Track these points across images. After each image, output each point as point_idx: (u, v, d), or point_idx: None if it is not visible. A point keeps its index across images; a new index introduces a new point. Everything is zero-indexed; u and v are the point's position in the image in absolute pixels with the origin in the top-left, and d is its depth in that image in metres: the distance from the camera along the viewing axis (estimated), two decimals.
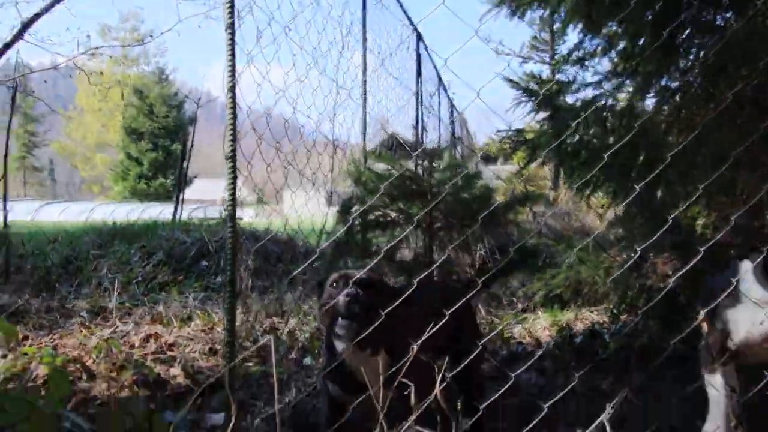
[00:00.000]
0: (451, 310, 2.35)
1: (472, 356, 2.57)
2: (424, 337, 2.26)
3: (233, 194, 2.39)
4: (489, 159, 15.33)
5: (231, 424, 2.00)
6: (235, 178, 2.39)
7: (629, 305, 4.79)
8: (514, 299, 6.06)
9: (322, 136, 3.96)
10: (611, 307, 4.93)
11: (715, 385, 2.89)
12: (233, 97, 2.42)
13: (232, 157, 2.41)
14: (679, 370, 3.54)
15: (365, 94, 4.49)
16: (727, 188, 4.87)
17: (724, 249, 4.98)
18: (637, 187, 4.82)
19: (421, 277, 2.48)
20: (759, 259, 2.78)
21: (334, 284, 2.42)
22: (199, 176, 39.00)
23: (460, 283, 3.63)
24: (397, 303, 2.30)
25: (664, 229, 2.98)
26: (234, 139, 2.42)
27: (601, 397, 3.53)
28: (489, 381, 3.86)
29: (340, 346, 2.41)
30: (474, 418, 2.54)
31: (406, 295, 2.34)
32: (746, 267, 2.87)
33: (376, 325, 2.24)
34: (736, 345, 2.82)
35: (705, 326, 2.38)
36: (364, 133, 4.57)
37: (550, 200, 10.59)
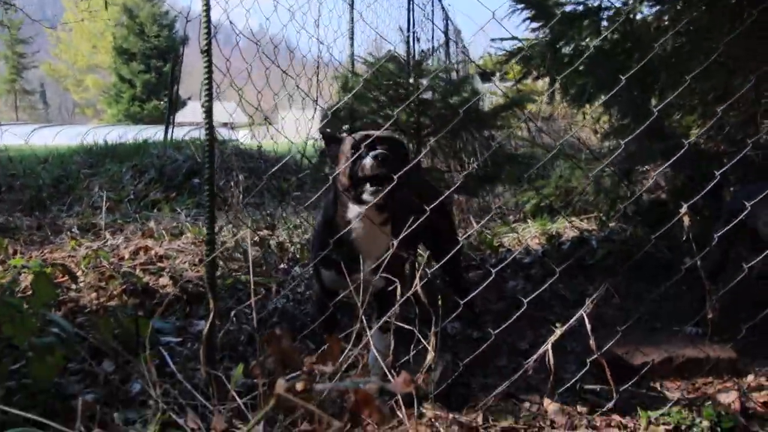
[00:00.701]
0: (433, 205, 2.32)
1: (454, 250, 2.56)
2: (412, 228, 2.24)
3: (209, 92, 2.31)
4: (485, 76, 15.02)
5: (208, 324, 1.99)
6: (210, 74, 2.31)
7: (618, 213, 4.80)
8: (506, 210, 6.07)
9: (310, 52, 3.85)
10: (600, 215, 4.93)
11: None
12: None
13: (208, 51, 2.32)
14: (665, 275, 3.57)
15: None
16: (722, 96, 4.79)
17: (716, 157, 4.95)
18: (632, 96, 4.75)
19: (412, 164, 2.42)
20: None
21: (354, 148, 2.29)
22: (192, 98, 38.35)
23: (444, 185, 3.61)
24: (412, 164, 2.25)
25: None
26: (209, 33, 2.33)
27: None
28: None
29: (355, 212, 2.34)
30: (467, 299, 2.52)
31: (420, 157, 2.28)
32: None
33: (398, 189, 2.20)
34: None
35: (686, 221, 2.36)
36: (352, 39, 4.44)
37: (546, 115, 10.44)
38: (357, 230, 2.38)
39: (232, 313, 2.93)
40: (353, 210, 2.35)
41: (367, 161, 2.19)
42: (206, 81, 2.30)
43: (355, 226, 2.36)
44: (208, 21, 2.32)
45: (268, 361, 1.18)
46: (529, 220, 5.63)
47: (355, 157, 2.24)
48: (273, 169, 2.99)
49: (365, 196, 2.24)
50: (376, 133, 2.29)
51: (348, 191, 2.30)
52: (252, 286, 2.00)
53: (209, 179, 2.31)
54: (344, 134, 2.45)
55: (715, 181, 2.36)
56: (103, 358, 2.61)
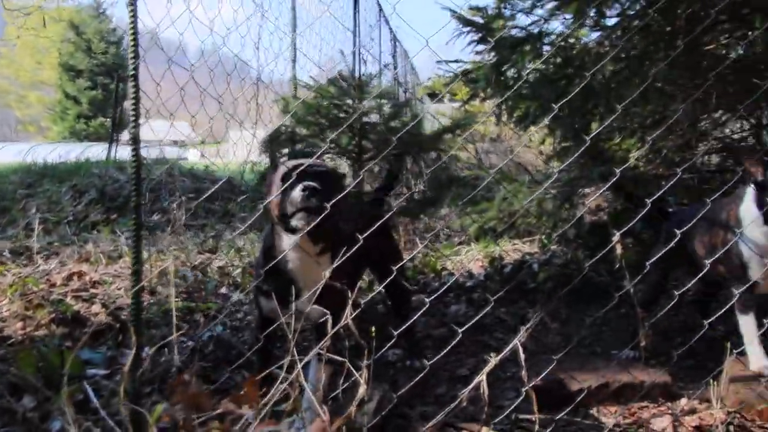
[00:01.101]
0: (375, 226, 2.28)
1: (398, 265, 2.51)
2: (352, 250, 2.20)
3: (136, 111, 2.24)
4: (434, 96, 15.18)
5: (131, 358, 1.90)
6: (137, 92, 2.23)
7: (560, 237, 4.84)
8: (451, 232, 6.07)
9: (248, 75, 3.79)
10: (542, 238, 4.97)
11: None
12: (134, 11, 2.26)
13: (135, 76, 2.25)
14: (604, 299, 3.60)
15: (295, 20, 4.29)
16: (659, 121, 4.90)
17: (655, 180, 5.06)
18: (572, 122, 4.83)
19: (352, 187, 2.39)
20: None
21: (285, 177, 2.24)
22: (143, 116, 37.59)
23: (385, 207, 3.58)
24: (346, 192, 2.21)
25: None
26: (136, 57, 2.26)
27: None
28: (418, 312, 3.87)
29: (288, 243, 2.29)
30: (405, 325, 2.49)
31: (355, 183, 2.25)
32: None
33: (332, 218, 2.15)
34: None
35: (618, 248, 2.37)
36: (294, 61, 4.40)
37: (494, 137, 10.58)
38: (293, 260, 2.34)
39: (160, 343, 2.83)
40: (287, 240, 2.31)
41: (297, 193, 2.16)
42: (133, 107, 2.22)
43: (291, 256, 2.32)
44: (136, 45, 2.25)
45: (175, 408, 1.12)
46: (472, 243, 5.64)
47: (284, 187, 2.20)
48: (209, 192, 2.89)
49: (294, 223, 2.20)
50: (308, 162, 2.26)
51: (279, 221, 2.27)
52: (174, 319, 1.92)
53: (136, 207, 2.23)
54: (280, 162, 2.40)
55: (647, 207, 2.38)
56: (23, 394, 2.49)
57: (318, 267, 2.33)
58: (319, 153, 2.43)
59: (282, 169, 2.31)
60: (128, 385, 2.17)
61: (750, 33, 4.31)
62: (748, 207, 2.81)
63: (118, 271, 4.64)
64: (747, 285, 2.77)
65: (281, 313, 2.24)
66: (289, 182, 2.20)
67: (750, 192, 2.81)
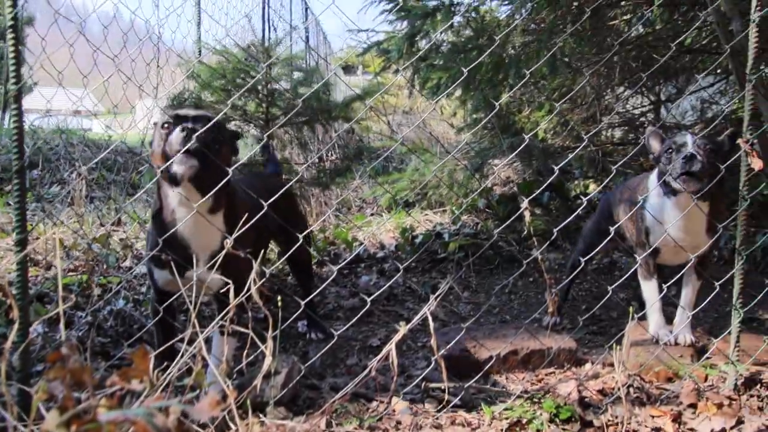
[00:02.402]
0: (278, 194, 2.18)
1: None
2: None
3: (17, 76, 2.03)
4: (348, 69, 15.03)
5: (14, 332, 1.74)
6: (18, 55, 2.03)
7: (470, 207, 4.89)
8: (363, 204, 6.03)
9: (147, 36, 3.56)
10: (453, 208, 5.01)
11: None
12: None
13: (14, 27, 2.04)
14: (513, 268, 3.65)
15: None
16: (567, 94, 5.01)
17: (563, 152, 5.19)
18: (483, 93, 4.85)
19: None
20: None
21: (166, 125, 2.11)
22: (40, 83, 35.51)
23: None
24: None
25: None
26: (14, 5, 2.05)
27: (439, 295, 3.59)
28: (330, 284, 3.82)
29: (175, 198, 2.15)
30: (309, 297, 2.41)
31: (260, 145, 2.13)
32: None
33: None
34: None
35: (527, 215, 2.39)
36: (199, 24, 4.18)
37: (406, 110, 10.60)
38: (182, 219, 2.18)
39: (45, 316, 2.65)
40: (172, 195, 2.16)
41: (174, 136, 2.03)
42: (13, 64, 2.02)
43: (179, 214, 2.17)
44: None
45: (54, 384, 1.01)
46: (384, 214, 5.62)
47: (165, 133, 2.08)
48: (95, 160, 2.69)
49: (175, 168, 2.04)
50: (186, 110, 2.13)
51: (162, 174, 2.11)
52: (60, 290, 1.77)
53: (19, 171, 2.04)
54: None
55: (553, 177, 2.40)
56: None
57: (212, 230, 2.20)
58: (220, 114, 2.27)
59: (162, 118, 2.17)
60: (18, 363, 2.02)
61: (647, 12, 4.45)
62: (653, 179, 2.91)
63: (11, 245, 4.32)
64: (648, 251, 2.87)
65: (177, 284, 2.12)
66: (168, 128, 2.08)
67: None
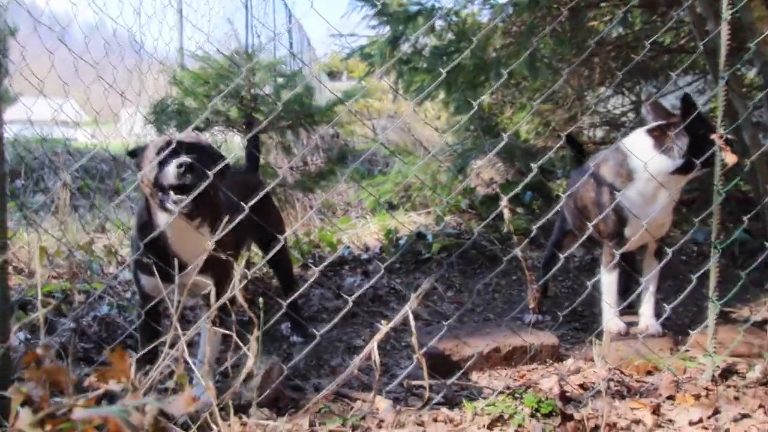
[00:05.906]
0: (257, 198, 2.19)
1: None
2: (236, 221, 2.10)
3: None
4: (333, 75, 15.08)
5: None
6: None
7: (453, 207, 4.92)
8: (348, 208, 6.05)
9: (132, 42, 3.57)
10: (436, 209, 5.04)
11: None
12: None
13: None
14: (495, 267, 3.66)
15: None
16: (548, 94, 5.06)
17: (544, 153, 5.23)
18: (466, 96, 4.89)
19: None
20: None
21: (159, 151, 2.10)
22: (24, 94, 35.22)
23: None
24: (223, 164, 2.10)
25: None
26: None
27: (423, 296, 3.61)
28: (315, 286, 3.84)
29: (164, 219, 2.14)
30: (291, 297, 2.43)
31: (227, 161, 2.12)
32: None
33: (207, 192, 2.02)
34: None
35: (506, 213, 2.41)
36: (181, 30, 4.19)
37: (391, 114, 10.63)
38: (171, 236, 2.22)
39: (24, 321, 2.65)
40: (162, 217, 2.18)
41: (171, 169, 2.02)
42: None
43: (169, 232, 2.19)
44: None
45: (29, 386, 1.02)
46: (368, 217, 5.63)
47: (158, 161, 2.07)
48: (77, 165, 2.70)
49: (169, 206, 2.07)
50: (180, 136, 2.14)
51: (153, 198, 2.14)
52: (40, 295, 1.77)
53: None
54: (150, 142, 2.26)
55: (532, 175, 2.42)
56: None
57: (199, 238, 2.22)
58: (198, 119, 2.29)
59: (153, 145, 2.18)
60: None
61: (624, 12, 4.51)
62: (640, 146, 2.94)
63: None
64: (617, 239, 2.90)
65: (165, 288, 2.13)
66: (160, 153, 2.08)
67: None
